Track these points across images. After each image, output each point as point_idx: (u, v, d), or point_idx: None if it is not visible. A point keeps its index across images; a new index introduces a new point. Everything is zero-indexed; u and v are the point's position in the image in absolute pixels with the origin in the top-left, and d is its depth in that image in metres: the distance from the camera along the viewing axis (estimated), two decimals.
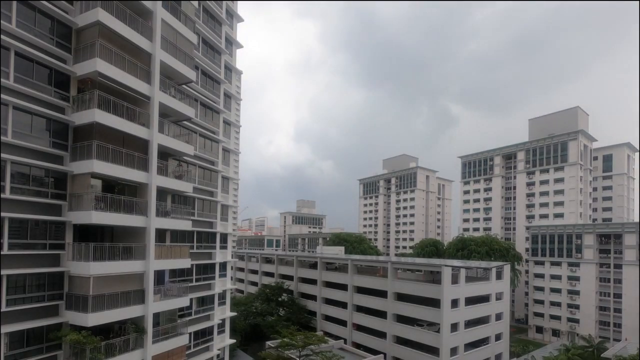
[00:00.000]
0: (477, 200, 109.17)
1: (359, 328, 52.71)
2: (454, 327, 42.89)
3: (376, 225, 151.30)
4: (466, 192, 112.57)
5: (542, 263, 79.90)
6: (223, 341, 34.65)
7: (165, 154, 24.73)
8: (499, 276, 49.97)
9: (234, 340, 38.50)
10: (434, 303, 43.24)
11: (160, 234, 24.46)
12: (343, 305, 55.59)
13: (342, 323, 54.99)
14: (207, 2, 30.78)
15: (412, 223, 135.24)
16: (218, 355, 33.47)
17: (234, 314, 39.56)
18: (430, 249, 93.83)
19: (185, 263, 25.58)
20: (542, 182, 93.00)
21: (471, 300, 45.47)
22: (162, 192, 24.48)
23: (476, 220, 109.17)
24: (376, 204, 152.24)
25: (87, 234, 21.19)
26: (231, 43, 35.78)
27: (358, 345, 51.21)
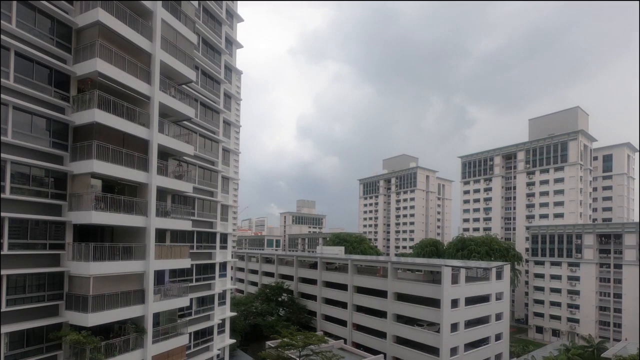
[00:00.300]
0: (477, 200, 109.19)
1: (359, 328, 52.71)
2: (454, 327, 42.87)
3: (376, 225, 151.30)
4: (466, 192, 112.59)
5: (542, 263, 79.90)
6: (223, 341, 34.66)
7: (165, 154, 24.74)
8: (499, 276, 49.97)
9: (234, 340, 38.51)
10: (434, 303, 43.23)
11: (160, 234, 24.47)
12: (343, 305, 55.59)
13: (342, 323, 54.99)
14: (207, 2, 30.79)
15: (412, 223, 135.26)
16: (218, 355, 33.48)
17: (234, 314, 39.57)
18: (430, 249, 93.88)
19: (185, 263, 25.59)
20: (542, 182, 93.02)
21: (471, 300, 45.46)
22: (162, 192, 24.48)
23: (476, 220, 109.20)
24: (376, 204, 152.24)
25: (87, 234, 21.21)
26: (231, 43, 35.79)
27: (358, 345, 51.22)
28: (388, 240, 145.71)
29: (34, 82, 18.59)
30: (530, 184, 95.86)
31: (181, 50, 24.77)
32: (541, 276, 79.76)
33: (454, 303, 43.14)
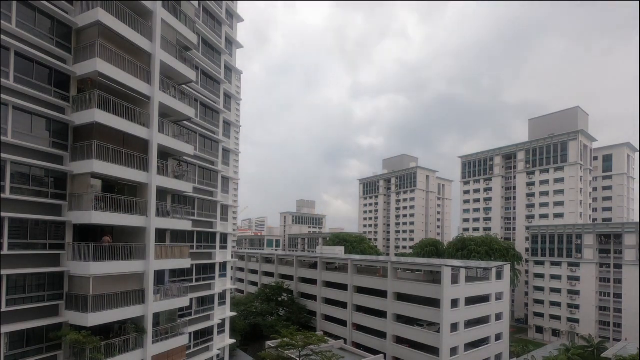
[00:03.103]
0: (477, 200, 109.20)
1: (359, 328, 52.72)
2: (454, 327, 42.89)
3: (376, 225, 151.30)
4: (466, 192, 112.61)
5: (542, 263, 79.91)
6: (223, 341, 34.66)
7: (165, 154, 24.74)
8: (499, 276, 49.97)
9: (234, 340, 38.50)
10: (434, 303, 43.23)
11: (160, 234, 24.46)
12: (343, 305, 55.59)
13: (342, 323, 55.00)
14: (207, 2, 30.79)
15: (412, 223, 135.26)
16: (218, 355, 33.47)
17: (234, 314, 39.56)
18: (430, 249, 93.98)
19: (185, 263, 25.58)
20: (542, 182, 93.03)
21: (471, 300, 45.46)
22: (162, 192, 24.47)
23: (476, 220, 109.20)
24: (376, 204, 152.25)
25: (87, 233, 21.19)
26: (231, 43, 35.80)
27: (358, 345, 51.22)
28: (388, 240, 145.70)
29: (34, 82, 18.57)
30: (530, 184, 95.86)
31: (181, 50, 24.76)
32: (541, 276, 79.76)
33: (454, 303, 43.14)
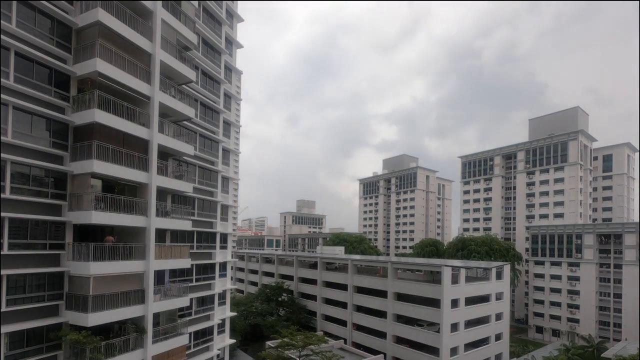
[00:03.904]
0: (477, 200, 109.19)
1: (359, 328, 52.72)
2: (454, 327, 42.89)
3: (376, 225, 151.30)
4: (466, 192, 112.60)
5: (542, 263, 79.92)
6: (223, 341, 34.66)
7: (165, 154, 24.74)
8: (499, 276, 49.98)
9: (234, 340, 38.50)
10: (434, 303, 43.23)
11: (160, 234, 24.46)
12: (343, 305, 55.59)
13: (342, 323, 55.00)
14: (207, 2, 30.79)
15: (412, 223, 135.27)
16: (218, 355, 33.47)
17: (234, 314, 39.56)
18: (430, 249, 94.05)
19: (185, 263, 25.59)
20: (542, 182, 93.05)
21: (471, 300, 45.46)
22: (162, 192, 24.48)
23: (476, 220, 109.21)
24: (376, 204, 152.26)
25: (87, 233, 21.19)
26: (231, 43, 35.80)
27: (358, 345, 51.22)
28: (388, 240, 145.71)
29: (34, 82, 18.57)
30: (530, 184, 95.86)
31: (181, 50, 24.76)
32: (541, 276, 79.77)
33: (454, 303, 43.14)
